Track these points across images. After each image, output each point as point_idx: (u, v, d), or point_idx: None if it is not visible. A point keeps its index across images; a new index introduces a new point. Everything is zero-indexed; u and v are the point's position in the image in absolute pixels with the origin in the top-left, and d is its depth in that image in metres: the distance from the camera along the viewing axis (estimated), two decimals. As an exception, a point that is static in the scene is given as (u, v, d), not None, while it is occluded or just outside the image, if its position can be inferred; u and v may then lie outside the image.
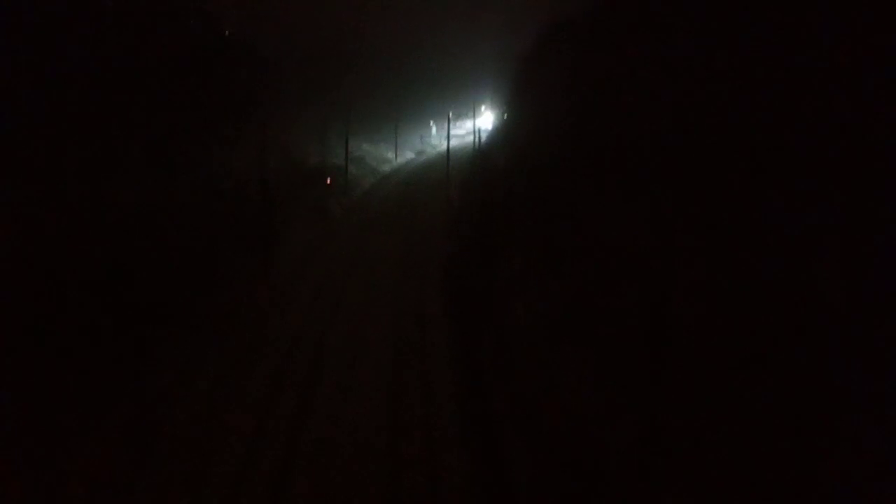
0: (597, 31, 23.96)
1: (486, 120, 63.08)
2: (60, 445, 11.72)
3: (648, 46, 18.85)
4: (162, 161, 24.50)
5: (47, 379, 12.94)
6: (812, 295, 8.73)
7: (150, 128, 26.13)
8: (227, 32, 46.43)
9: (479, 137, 46.83)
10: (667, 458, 9.73)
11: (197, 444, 12.75)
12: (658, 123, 15.96)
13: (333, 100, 44.64)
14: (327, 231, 31.94)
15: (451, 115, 48.10)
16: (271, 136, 35.17)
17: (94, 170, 20.84)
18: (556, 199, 19.48)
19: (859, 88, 9.17)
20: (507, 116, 46.49)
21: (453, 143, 61.24)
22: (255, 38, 42.44)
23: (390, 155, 55.58)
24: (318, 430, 13.14)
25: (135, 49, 24.95)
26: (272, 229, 27.70)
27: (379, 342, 17.75)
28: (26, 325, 13.66)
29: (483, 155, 39.85)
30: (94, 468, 11.53)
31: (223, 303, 20.44)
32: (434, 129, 65.13)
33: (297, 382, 15.26)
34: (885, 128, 8.60)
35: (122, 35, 25.89)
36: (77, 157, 20.81)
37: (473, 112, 57.87)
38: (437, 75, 64.18)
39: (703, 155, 13.36)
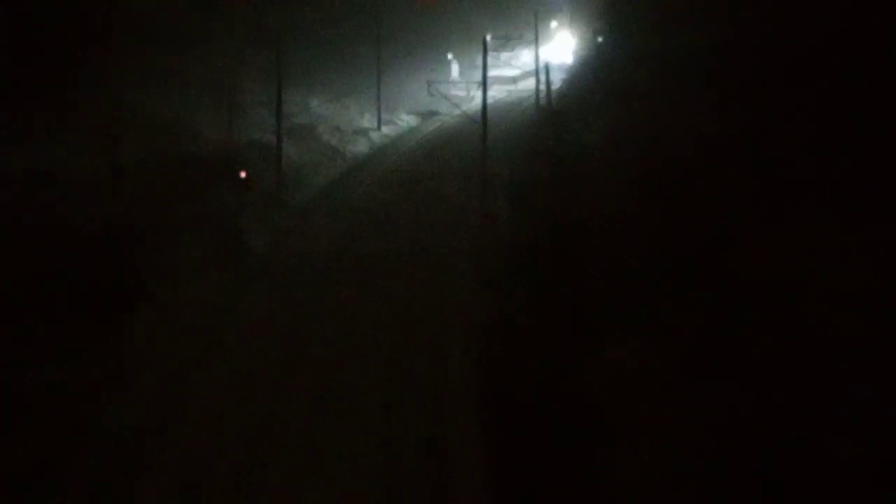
0: None
1: (559, 49, 63.35)
2: None
3: None
4: None
5: None
6: None
7: None
8: None
9: (548, 83, 46.86)
10: None
11: None
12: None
13: (252, 27, 45.21)
14: (239, 284, 31.97)
15: (488, 39, 48.26)
16: (133, 103, 35.77)
17: None
18: (711, 227, 19.75)
19: None
20: (605, 41, 46.53)
21: (500, 94, 60.96)
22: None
23: (368, 122, 56.14)
24: None
25: None
26: (130, 282, 28.06)
27: None
28: None
29: (556, 121, 39.84)
30: None
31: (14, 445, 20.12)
32: (456, 70, 65.41)
33: None
34: None
35: None
36: None
37: (536, 34, 58.06)
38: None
39: None
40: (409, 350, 26.68)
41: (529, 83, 57.15)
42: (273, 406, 23.54)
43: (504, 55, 65.92)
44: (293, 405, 23.70)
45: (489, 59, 45.24)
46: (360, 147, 52.43)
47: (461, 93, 58.70)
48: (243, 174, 37.12)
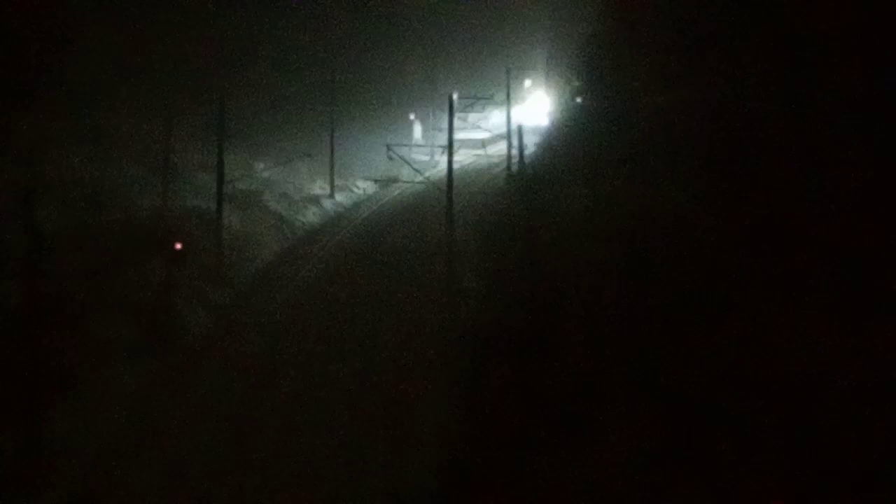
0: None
1: (533, 110, 63.97)
2: None
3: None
4: None
5: None
6: None
7: None
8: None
9: (521, 147, 47.15)
10: None
11: None
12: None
13: (191, 81, 46.03)
14: (171, 372, 31.79)
15: (455, 99, 48.53)
16: (53, 162, 35.62)
17: None
18: (698, 307, 19.60)
19: None
20: (583, 102, 46.94)
21: (467, 160, 60.76)
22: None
23: (320, 188, 56.58)
24: None
25: None
26: (46, 367, 27.48)
27: None
28: None
29: (530, 190, 39.95)
30: None
31: None
32: (419, 132, 66.11)
33: None
34: None
35: None
36: None
37: (508, 93, 58.50)
38: (427, 21, 65.95)
39: None
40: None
41: (500, 147, 57.32)
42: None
43: (472, 116, 65.96)
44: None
45: (456, 121, 45.55)
46: (311, 216, 52.38)
47: (424, 157, 58.90)
48: (178, 246, 36.76)
